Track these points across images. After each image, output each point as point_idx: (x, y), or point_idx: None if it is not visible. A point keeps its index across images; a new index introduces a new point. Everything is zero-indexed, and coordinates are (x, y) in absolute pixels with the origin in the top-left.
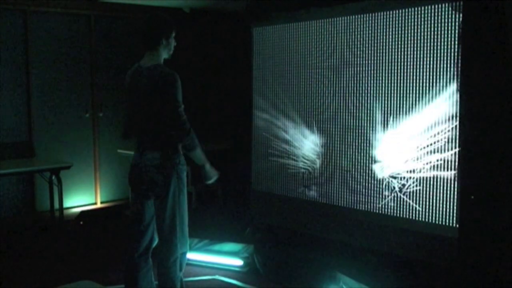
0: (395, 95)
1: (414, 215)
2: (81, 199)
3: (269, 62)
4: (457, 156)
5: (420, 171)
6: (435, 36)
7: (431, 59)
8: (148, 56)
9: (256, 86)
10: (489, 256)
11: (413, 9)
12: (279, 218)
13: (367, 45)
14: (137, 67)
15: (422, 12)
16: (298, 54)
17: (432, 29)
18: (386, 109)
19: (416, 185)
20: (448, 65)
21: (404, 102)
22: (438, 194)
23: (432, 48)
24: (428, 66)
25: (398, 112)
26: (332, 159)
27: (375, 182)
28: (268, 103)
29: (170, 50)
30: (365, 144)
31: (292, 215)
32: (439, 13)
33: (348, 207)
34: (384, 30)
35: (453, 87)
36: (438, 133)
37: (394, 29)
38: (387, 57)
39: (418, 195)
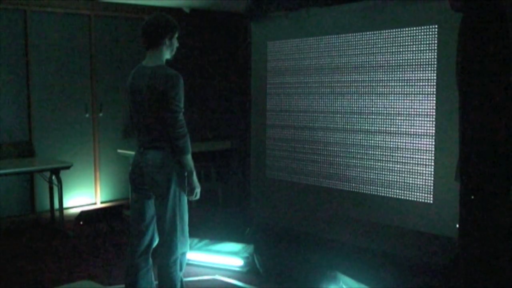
0: (395, 95)
1: (414, 214)
2: (81, 199)
3: (268, 62)
4: (457, 156)
5: (419, 171)
6: (435, 41)
7: (431, 62)
8: (150, 56)
9: (256, 85)
10: (489, 256)
11: (411, 7)
12: (279, 218)
13: (367, 45)
14: (140, 67)
15: (421, 11)
16: (298, 55)
17: (431, 32)
18: (386, 109)
19: (416, 185)
20: (449, 66)
21: (404, 102)
22: (438, 194)
23: (432, 49)
24: (428, 68)
25: (398, 112)
26: (332, 159)
27: (376, 181)
28: (268, 103)
29: (173, 50)
30: (365, 143)
31: (292, 215)
32: (438, 13)
33: (348, 207)
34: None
35: (453, 87)
36: (438, 134)
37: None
38: (386, 60)
39: (418, 194)
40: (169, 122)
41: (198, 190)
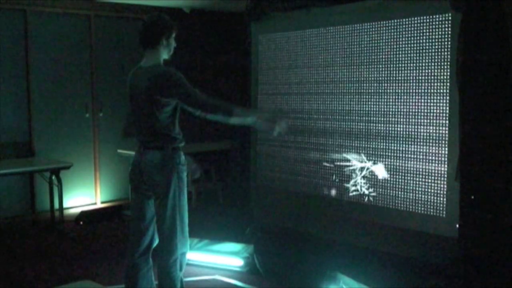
0: (393, 95)
1: (414, 214)
2: (81, 199)
3: (269, 63)
4: (457, 157)
5: (420, 172)
6: (434, 40)
7: (430, 60)
8: (148, 56)
9: (255, 85)
10: (489, 256)
11: (412, 18)
12: (279, 218)
13: (366, 46)
14: (138, 68)
15: (421, 18)
16: (298, 55)
17: (430, 33)
18: (385, 109)
19: (416, 185)
20: (448, 65)
21: (404, 103)
22: (438, 194)
23: (432, 50)
24: (426, 67)
25: (397, 113)
26: (332, 159)
27: (376, 182)
28: (268, 103)
29: (170, 50)
30: (365, 143)
31: (292, 215)
32: (437, 16)
33: (348, 207)
34: (384, 38)
35: (453, 87)
36: (439, 134)
37: (393, 35)
38: (385, 60)
39: (418, 194)
40: (193, 105)
41: (284, 125)
